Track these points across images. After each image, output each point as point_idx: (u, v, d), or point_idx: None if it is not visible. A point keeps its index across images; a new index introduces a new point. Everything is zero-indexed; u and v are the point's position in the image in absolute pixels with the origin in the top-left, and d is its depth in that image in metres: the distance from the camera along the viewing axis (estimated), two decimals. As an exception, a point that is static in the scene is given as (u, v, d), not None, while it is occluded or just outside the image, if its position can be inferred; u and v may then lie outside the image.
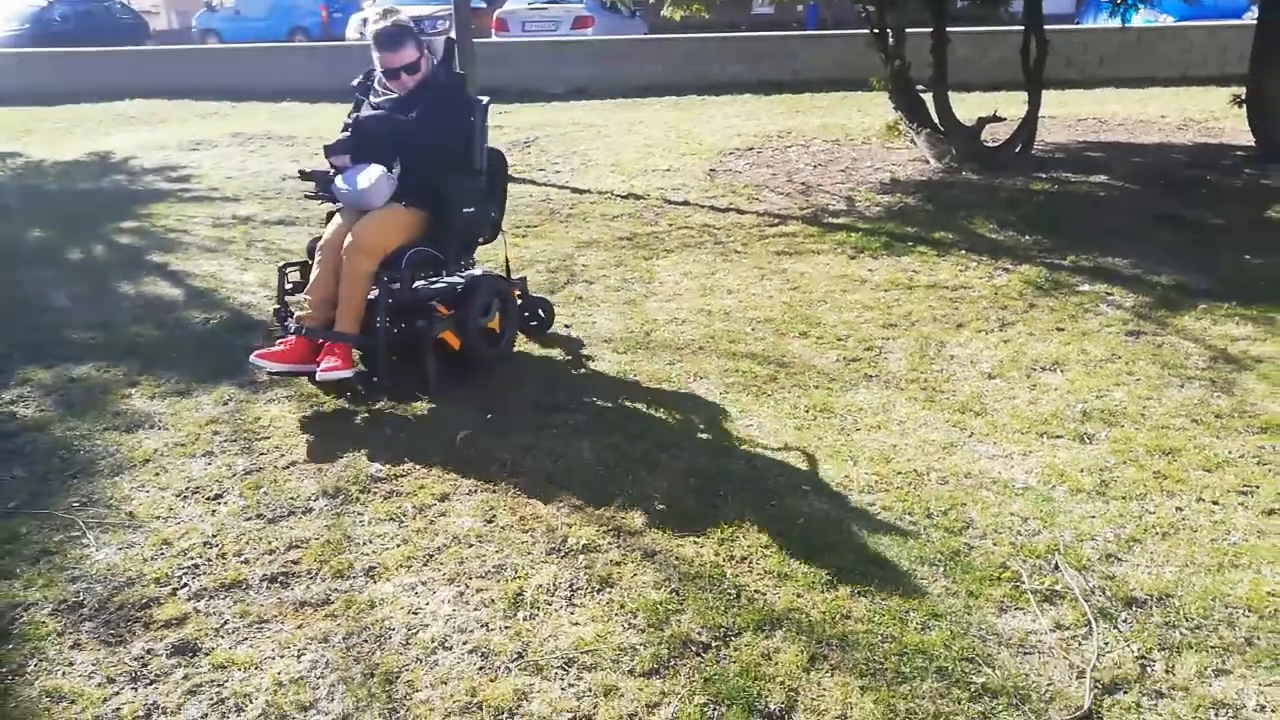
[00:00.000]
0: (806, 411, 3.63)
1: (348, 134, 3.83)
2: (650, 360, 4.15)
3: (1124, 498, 2.95)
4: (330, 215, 3.94)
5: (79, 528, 2.88)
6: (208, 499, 3.05)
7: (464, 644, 2.36)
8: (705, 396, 3.78)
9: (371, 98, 3.92)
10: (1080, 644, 2.32)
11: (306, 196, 4.06)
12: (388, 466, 3.22)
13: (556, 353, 4.25)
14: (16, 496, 3.07)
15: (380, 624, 2.44)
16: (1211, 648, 2.29)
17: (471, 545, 2.78)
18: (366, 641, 2.37)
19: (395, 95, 3.84)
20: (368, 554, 2.73)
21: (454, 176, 3.84)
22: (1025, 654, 2.29)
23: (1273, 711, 2.09)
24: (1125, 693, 2.16)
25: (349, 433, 3.48)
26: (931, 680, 2.20)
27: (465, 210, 3.88)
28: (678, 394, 3.80)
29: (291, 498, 3.03)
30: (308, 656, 2.32)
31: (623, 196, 7.19)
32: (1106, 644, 2.31)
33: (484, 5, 16.55)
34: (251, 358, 3.63)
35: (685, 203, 6.99)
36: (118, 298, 5.09)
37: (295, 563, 2.70)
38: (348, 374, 3.56)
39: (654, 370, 4.04)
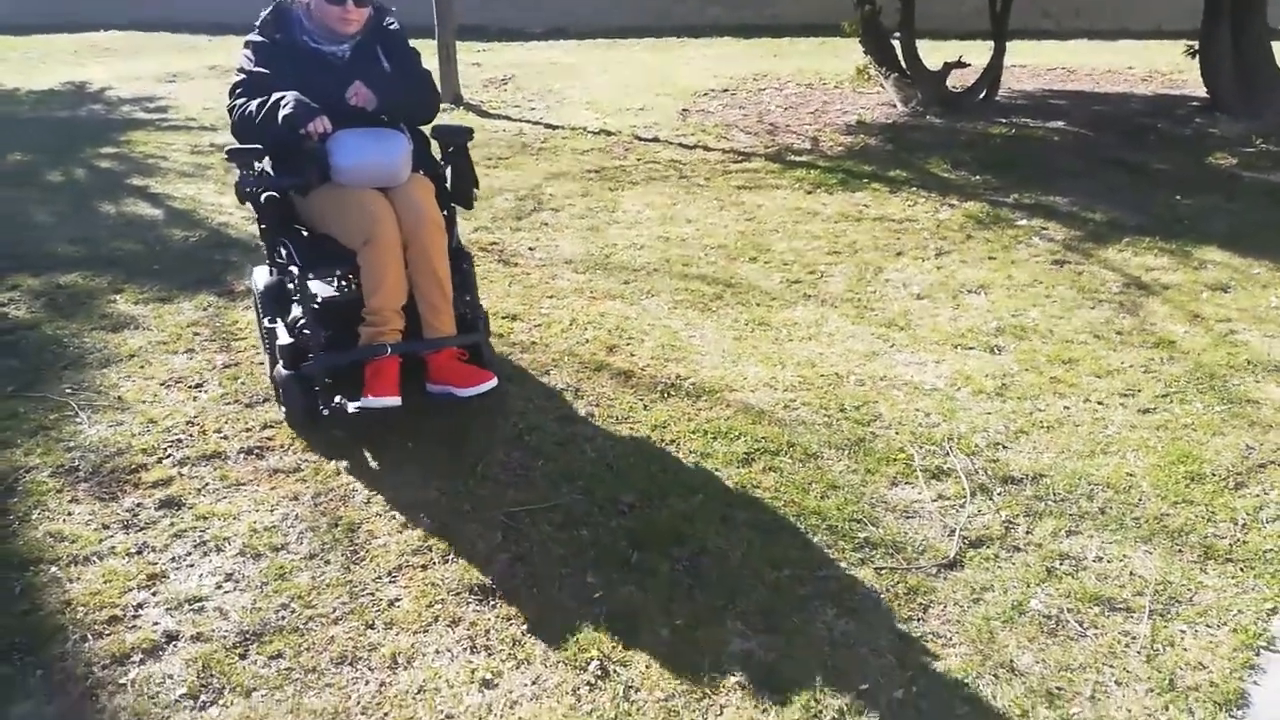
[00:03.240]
0: (746, 325, 3.93)
1: (297, 95, 2.85)
2: (607, 279, 4.43)
3: (1019, 398, 3.28)
4: (274, 212, 3.04)
5: (72, 409, 3.16)
6: (190, 387, 3.34)
7: (421, 504, 2.67)
8: (654, 311, 4.07)
9: (308, 42, 3.04)
10: (956, 511, 2.66)
11: (250, 191, 2.96)
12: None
13: (518, 272, 4.52)
14: (13, 383, 3.34)
15: (345, 487, 2.75)
16: (1069, 515, 2.63)
17: (435, 429, 3.07)
18: (332, 500, 2.69)
19: (343, 40, 3.04)
20: (337, 433, 3.03)
21: (458, 138, 3.20)
22: (907, 518, 2.63)
23: (1108, 562, 2.44)
24: (987, 547, 2.50)
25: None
26: (822, 535, 2.53)
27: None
28: (629, 308, 4.09)
29: (267, 387, 3.32)
30: (280, 510, 2.64)
31: (594, 133, 7.40)
32: (979, 511, 2.66)
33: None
34: (368, 400, 2.88)
35: (655, 139, 7.21)
36: (99, 216, 5.30)
37: (270, 439, 3.00)
38: (495, 381, 3.05)
39: (609, 288, 4.33)
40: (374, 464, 2.88)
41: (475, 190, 3.21)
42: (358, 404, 2.88)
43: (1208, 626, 2.20)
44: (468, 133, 3.21)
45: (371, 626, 2.22)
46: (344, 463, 2.89)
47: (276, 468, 2.85)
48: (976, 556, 2.46)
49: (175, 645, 2.16)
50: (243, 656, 2.13)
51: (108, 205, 5.48)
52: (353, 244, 2.95)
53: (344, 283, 3.18)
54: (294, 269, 2.99)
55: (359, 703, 2.01)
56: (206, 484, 2.77)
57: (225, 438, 3.01)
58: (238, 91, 3.02)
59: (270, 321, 3.09)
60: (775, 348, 3.70)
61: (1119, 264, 4.59)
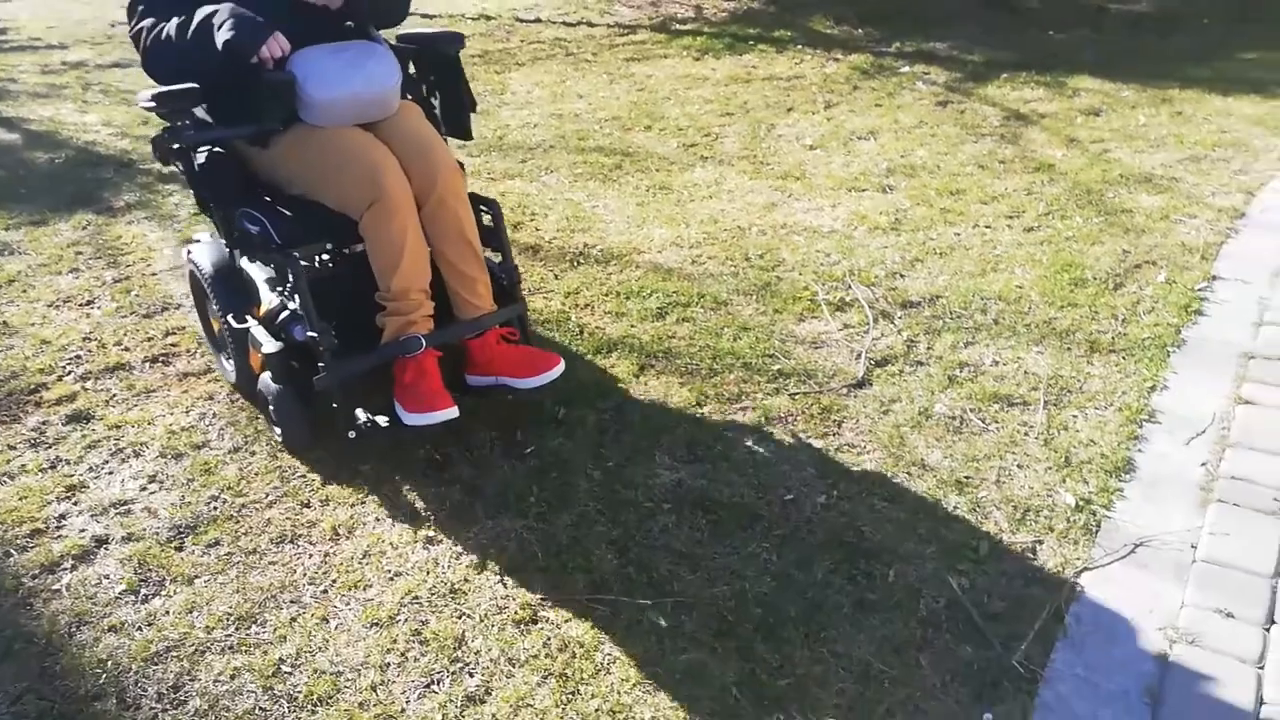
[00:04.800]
0: (648, 191, 3.94)
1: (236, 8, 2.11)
2: (503, 159, 4.36)
3: (913, 230, 3.40)
4: (221, 174, 2.26)
5: (-45, 339, 3.01)
6: (80, 305, 3.21)
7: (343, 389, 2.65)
8: (555, 186, 4.04)
9: None
10: (861, 337, 2.78)
11: (174, 149, 2.21)
12: (254, 265, 3.41)
13: (411, 161, 4.41)
14: (-116, 321, 3.15)
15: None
16: (965, 329, 2.78)
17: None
18: (251, 396, 2.65)
19: None
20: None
21: (449, 47, 2.50)
22: (816, 348, 2.74)
23: (1004, 365, 2.60)
24: (892, 365, 2.63)
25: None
26: (737, 372, 2.63)
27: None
28: (529, 185, 4.05)
29: (164, 297, 3.21)
30: (195, 411, 2.60)
31: (474, 18, 7.15)
32: (882, 334, 2.78)
33: None
34: (417, 415, 2.22)
35: (537, 20, 7.01)
36: (-50, 146, 4.93)
37: (174, 345, 2.93)
38: (563, 365, 2.35)
39: (506, 168, 4.26)
40: (287, 358, 2.84)
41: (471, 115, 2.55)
42: (408, 421, 2.20)
43: (1096, 409, 2.38)
44: (459, 40, 2.46)
45: (307, 505, 2.24)
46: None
47: (186, 371, 2.79)
48: (883, 374, 2.59)
49: (106, 548, 2.14)
50: (179, 549, 2.13)
51: (-45, 135, 5.09)
52: (351, 208, 2.21)
53: (324, 256, 2.51)
54: (270, 249, 2.23)
55: (305, 574, 2.04)
56: (114, 395, 2.69)
57: (126, 349, 2.92)
58: (140, 9, 2.21)
59: (238, 320, 2.41)
60: (678, 209, 3.73)
61: (998, 99, 4.72)
